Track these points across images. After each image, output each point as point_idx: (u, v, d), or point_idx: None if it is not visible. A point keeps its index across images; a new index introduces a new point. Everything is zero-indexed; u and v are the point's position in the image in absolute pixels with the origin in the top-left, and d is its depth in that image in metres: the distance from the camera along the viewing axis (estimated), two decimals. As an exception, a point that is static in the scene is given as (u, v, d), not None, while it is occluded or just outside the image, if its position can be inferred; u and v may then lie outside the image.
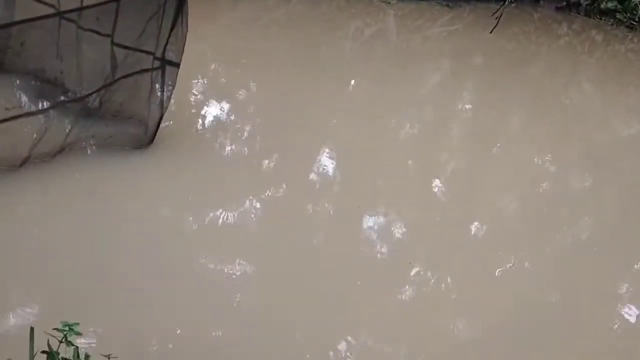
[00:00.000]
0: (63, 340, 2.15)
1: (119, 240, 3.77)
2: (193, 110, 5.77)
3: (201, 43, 7.07)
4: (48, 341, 2.22)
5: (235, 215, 4.29)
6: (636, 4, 11.89)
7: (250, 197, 4.48)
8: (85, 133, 4.38)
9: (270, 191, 4.66)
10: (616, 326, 3.82)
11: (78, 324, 2.17)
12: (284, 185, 4.77)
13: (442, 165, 5.79)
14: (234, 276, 3.64)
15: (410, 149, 5.92)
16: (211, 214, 4.23)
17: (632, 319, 3.88)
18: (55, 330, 2.17)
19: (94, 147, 4.44)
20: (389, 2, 11.46)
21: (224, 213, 4.26)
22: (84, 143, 4.40)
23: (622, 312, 3.94)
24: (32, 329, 2.35)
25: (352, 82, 7.43)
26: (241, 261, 3.74)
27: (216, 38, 8.06)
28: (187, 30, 4.44)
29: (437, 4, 11.99)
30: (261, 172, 4.92)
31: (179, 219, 4.11)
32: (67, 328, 2.14)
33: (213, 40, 7.85)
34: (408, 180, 5.28)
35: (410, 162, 5.62)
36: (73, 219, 3.86)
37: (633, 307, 3.98)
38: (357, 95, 7.16)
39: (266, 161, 5.10)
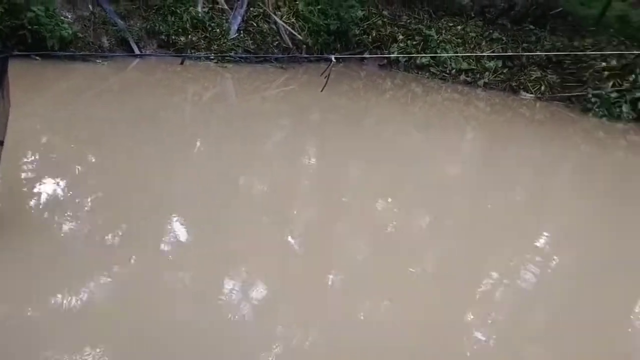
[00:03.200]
0: None
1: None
2: (24, 189, 5.32)
3: (29, 117, 6.63)
4: None
5: (83, 298, 3.96)
6: (446, 59, 13.42)
7: (98, 277, 4.17)
8: None
9: (119, 267, 4.38)
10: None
11: None
12: (134, 260, 4.51)
13: (295, 218, 5.90)
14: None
15: (263, 204, 5.97)
16: (53, 300, 3.86)
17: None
18: None
19: None
20: (225, 67, 11.73)
21: (67, 298, 3.92)
22: None
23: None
24: None
25: (197, 143, 7.38)
26: (89, 352, 3.45)
27: (45, 110, 7.59)
28: (10, 106, 4.14)
29: (272, 66, 12.51)
30: (106, 247, 4.62)
31: (18, 309, 3.69)
32: None
33: (42, 113, 7.39)
34: (263, 236, 5.29)
35: (263, 218, 5.66)
36: None
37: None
38: (201, 157, 7.12)
39: (110, 235, 4.81)
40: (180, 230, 5.16)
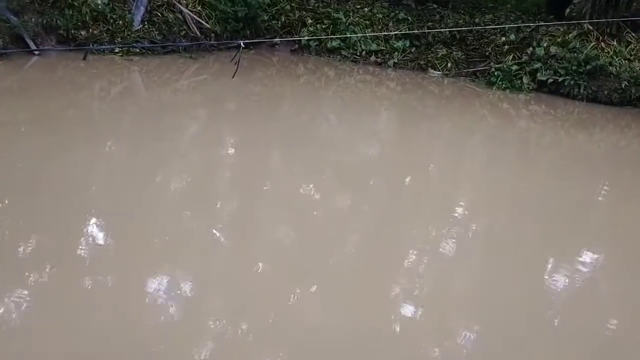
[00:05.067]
0: None
1: None
2: None
3: None
4: None
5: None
6: (356, 41, 13.60)
7: (11, 292, 3.95)
8: None
9: (35, 278, 4.17)
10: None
11: None
12: (49, 269, 4.30)
13: (217, 211, 5.83)
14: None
15: (182, 200, 5.85)
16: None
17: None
18: None
19: None
20: (132, 59, 11.29)
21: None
22: None
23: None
24: None
25: (108, 142, 7.10)
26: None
27: None
28: None
29: (180, 57, 12.18)
30: (20, 260, 4.37)
31: None
32: None
33: None
34: (185, 233, 5.19)
35: (185, 213, 5.55)
36: None
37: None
38: (114, 156, 6.85)
39: (23, 246, 4.56)
40: (97, 233, 4.97)
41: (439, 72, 13.00)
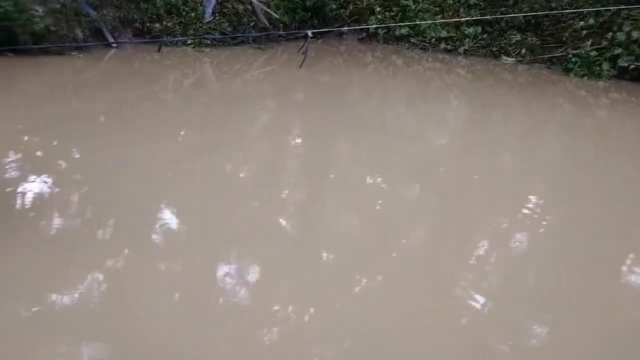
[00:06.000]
0: None
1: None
2: (8, 189, 5.24)
3: (7, 117, 6.51)
4: None
5: (76, 295, 3.93)
6: (425, 28, 13.33)
7: (91, 273, 4.14)
8: None
9: (112, 262, 4.35)
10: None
11: None
12: (126, 252, 4.48)
13: (284, 201, 5.88)
14: None
15: (251, 189, 5.94)
16: (47, 297, 3.83)
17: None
18: None
19: None
20: (203, 51, 11.57)
21: (60, 295, 3.89)
22: None
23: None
24: None
25: (181, 132, 7.31)
26: (88, 345, 3.42)
27: (23, 108, 7.47)
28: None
29: (250, 47, 12.37)
30: (99, 242, 4.58)
31: (11, 308, 3.66)
32: None
33: (20, 112, 7.27)
34: (253, 221, 5.27)
35: (252, 202, 5.63)
36: None
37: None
38: (185, 146, 7.05)
39: (102, 230, 4.76)
40: (169, 220, 5.13)
41: (512, 59, 12.57)
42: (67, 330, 3.58)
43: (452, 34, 13.18)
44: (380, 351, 3.68)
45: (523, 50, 12.63)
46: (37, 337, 3.45)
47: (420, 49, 13.17)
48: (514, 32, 12.97)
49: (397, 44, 13.49)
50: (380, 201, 5.97)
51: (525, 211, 5.90)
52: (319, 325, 3.92)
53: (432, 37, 13.19)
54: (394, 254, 4.90)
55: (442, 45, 13.09)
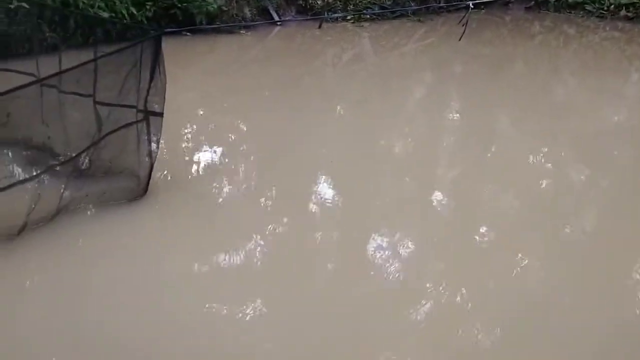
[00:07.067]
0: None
1: (123, 294, 3.72)
2: (186, 158, 5.78)
3: (184, 89, 7.14)
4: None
5: (242, 258, 4.24)
6: (603, -7, 12.11)
7: (254, 238, 4.43)
8: (78, 193, 4.36)
9: (273, 228, 4.62)
10: (629, 318, 3.76)
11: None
12: (286, 221, 4.73)
13: (440, 176, 5.79)
14: (244, 320, 3.58)
15: (407, 164, 5.92)
16: (217, 259, 4.19)
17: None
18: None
19: (90, 205, 4.43)
20: (362, 25, 11.64)
21: (229, 257, 4.22)
22: (79, 203, 4.39)
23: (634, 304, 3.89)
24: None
25: (338, 107, 7.47)
26: (252, 305, 3.68)
27: (198, 83, 8.14)
28: (166, 80, 4.47)
29: (409, 20, 12.18)
30: (262, 211, 4.89)
31: (185, 266, 4.06)
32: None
33: (196, 86, 7.93)
34: (409, 196, 5.25)
35: (408, 177, 5.61)
36: (77, 279, 3.82)
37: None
38: (346, 118, 7.20)
39: (264, 199, 5.07)
40: (327, 191, 5.30)
41: None
42: (232, 287, 3.88)
43: (635, 0, 11.81)
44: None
45: None
46: (203, 291, 3.79)
47: (597, 17, 11.99)
48: None
49: (570, 12, 12.42)
50: (543, 182, 5.61)
51: None
52: (471, 307, 3.82)
53: (611, 4, 11.94)
54: (559, 238, 4.59)
55: (623, 13, 11.79)
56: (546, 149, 6.26)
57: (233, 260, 4.20)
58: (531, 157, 6.11)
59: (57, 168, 4.41)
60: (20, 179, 4.27)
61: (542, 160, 6.11)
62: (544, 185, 5.56)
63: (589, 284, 4.03)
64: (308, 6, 11.68)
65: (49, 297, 3.64)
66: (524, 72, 9.49)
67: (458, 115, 7.53)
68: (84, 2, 8.57)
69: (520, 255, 4.31)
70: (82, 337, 3.31)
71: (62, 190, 4.25)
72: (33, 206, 4.01)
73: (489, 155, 6.22)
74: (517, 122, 7.15)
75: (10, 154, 4.84)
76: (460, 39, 9.83)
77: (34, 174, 4.23)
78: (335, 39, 10.78)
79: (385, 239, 4.55)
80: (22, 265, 3.89)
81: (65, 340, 3.29)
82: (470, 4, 10.62)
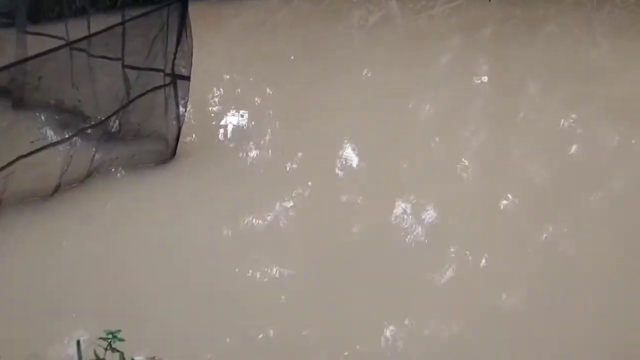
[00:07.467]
0: (108, 348, 2.22)
1: (155, 255, 3.83)
2: (213, 122, 5.84)
3: (210, 54, 7.14)
4: (94, 350, 2.28)
5: (269, 219, 4.31)
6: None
7: (282, 200, 4.50)
8: (109, 156, 4.48)
9: (300, 191, 4.68)
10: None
11: (120, 330, 2.24)
12: (311, 184, 4.78)
13: (467, 142, 5.73)
14: (272, 282, 3.67)
15: (433, 129, 5.88)
16: (245, 221, 4.27)
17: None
18: (100, 340, 2.23)
19: (120, 168, 4.53)
20: (390, -14, 11.42)
21: (256, 219, 4.29)
22: (109, 166, 4.50)
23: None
24: (78, 341, 2.49)
25: (364, 71, 7.41)
26: (280, 267, 3.76)
27: (224, 47, 8.13)
28: (192, 44, 4.50)
29: (438, -19, 11.89)
30: (288, 173, 4.95)
31: (214, 228, 4.15)
32: (110, 336, 2.21)
33: (222, 50, 7.92)
34: (435, 161, 5.24)
35: (434, 143, 5.58)
36: (107, 239, 3.94)
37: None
38: (371, 83, 7.15)
39: (291, 162, 5.12)
40: (352, 156, 5.32)
41: None
42: (260, 249, 3.97)
43: (677, -43, 11.29)
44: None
45: None
46: (231, 253, 3.89)
47: (634, -24, 11.53)
48: None
49: (606, -28, 11.96)
50: (571, 148, 5.53)
51: None
52: (493, 274, 3.85)
53: (651, -38, 11.44)
54: (579, 207, 4.54)
55: (663, -29, 11.31)
56: (576, 114, 6.14)
57: (261, 222, 4.29)
58: (562, 122, 6.01)
59: (88, 131, 4.52)
60: (53, 141, 4.38)
61: (573, 124, 6.01)
62: (573, 151, 5.49)
63: (617, 251, 4.01)
64: (335, -33, 11.47)
65: (79, 255, 3.78)
66: (555, 34, 9.22)
67: (487, 79, 7.41)
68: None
69: (548, 221, 4.30)
70: (106, 297, 3.41)
71: (93, 153, 4.36)
72: (65, 168, 4.13)
73: (518, 120, 6.14)
74: (546, 86, 7.00)
75: (42, 117, 4.95)
76: (490, 0, 9.56)
77: (66, 136, 4.34)
78: (361, 1, 10.59)
79: (412, 203, 4.57)
80: (55, 224, 4.02)
81: (89, 298, 3.41)
82: (502, -36, 10.29)
